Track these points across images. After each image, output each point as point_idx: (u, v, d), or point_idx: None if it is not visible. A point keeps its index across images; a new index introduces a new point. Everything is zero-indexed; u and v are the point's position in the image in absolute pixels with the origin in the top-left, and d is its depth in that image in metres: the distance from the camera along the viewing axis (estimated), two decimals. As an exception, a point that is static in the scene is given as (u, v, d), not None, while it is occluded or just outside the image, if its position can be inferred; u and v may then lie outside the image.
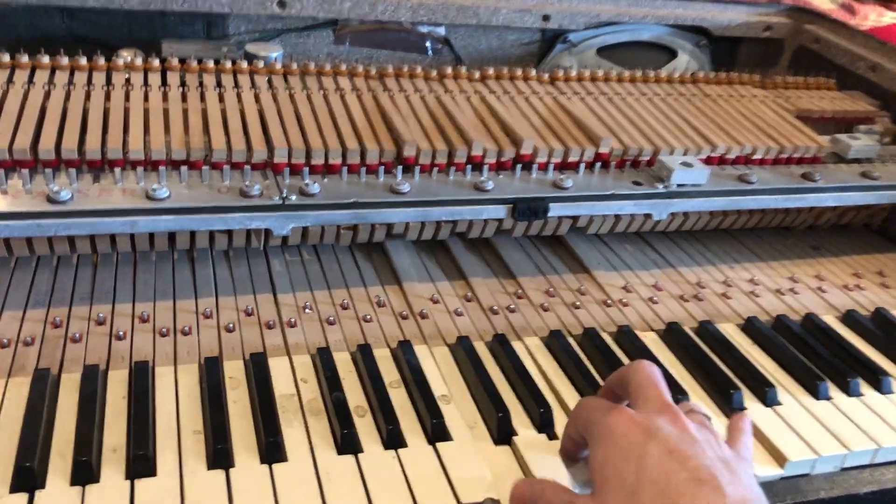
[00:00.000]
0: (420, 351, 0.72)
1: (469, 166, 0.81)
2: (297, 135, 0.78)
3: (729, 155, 0.92)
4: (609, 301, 0.85)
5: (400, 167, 0.79)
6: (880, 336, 0.84)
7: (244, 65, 0.89)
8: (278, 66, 0.91)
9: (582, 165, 0.85)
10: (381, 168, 0.78)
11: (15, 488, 0.53)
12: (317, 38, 1.09)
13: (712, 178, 0.87)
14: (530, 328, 0.79)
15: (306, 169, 0.76)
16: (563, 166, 0.85)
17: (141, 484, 0.55)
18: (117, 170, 0.70)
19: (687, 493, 0.48)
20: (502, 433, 0.64)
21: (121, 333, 0.69)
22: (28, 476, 0.54)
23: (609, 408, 0.55)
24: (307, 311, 0.76)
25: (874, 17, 2.54)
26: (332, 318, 0.76)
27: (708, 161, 0.90)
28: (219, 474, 0.57)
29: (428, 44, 1.13)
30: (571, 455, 0.61)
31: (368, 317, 0.77)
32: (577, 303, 0.84)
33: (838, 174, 0.94)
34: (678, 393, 0.70)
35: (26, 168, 0.69)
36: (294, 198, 0.72)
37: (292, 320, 0.74)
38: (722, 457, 0.52)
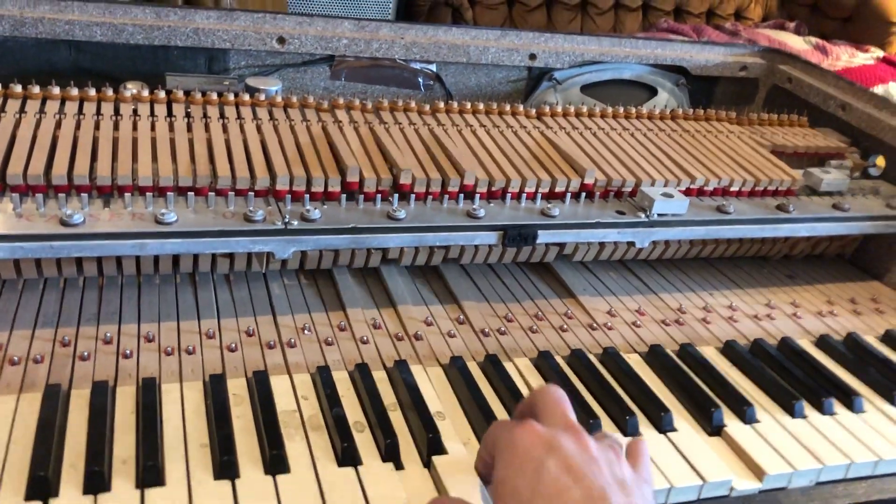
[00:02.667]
0: (415, 370, 0.75)
1: (461, 195, 0.85)
2: (298, 163, 0.82)
3: (707, 187, 0.97)
4: (594, 325, 0.88)
5: (396, 195, 0.82)
6: (852, 359, 0.88)
7: (246, 97, 0.93)
8: (279, 98, 0.95)
9: (568, 195, 0.89)
10: (379, 196, 0.82)
11: (29, 496, 0.56)
12: (314, 73, 1.13)
13: (692, 209, 0.91)
14: (520, 349, 0.82)
15: (307, 196, 0.79)
16: (551, 196, 0.89)
17: (151, 493, 0.57)
18: (127, 195, 0.73)
19: None
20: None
21: (127, 352, 0.72)
22: (42, 485, 0.56)
23: (516, 423, 0.56)
24: (306, 332, 0.79)
25: (846, 58, 2.62)
26: (330, 339, 0.79)
27: (687, 192, 0.95)
28: (225, 484, 0.59)
29: (420, 80, 1.18)
30: (484, 477, 0.61)
31: (365, 338, 0.80)
32: (564, 326, 0.87)
33: (811, 206, 0.99)
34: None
35: (40, 193, 0.72)
36: (296, 223, 0.76)
37: (292, 341, 0.77)
38: (619, 477, 0.53)
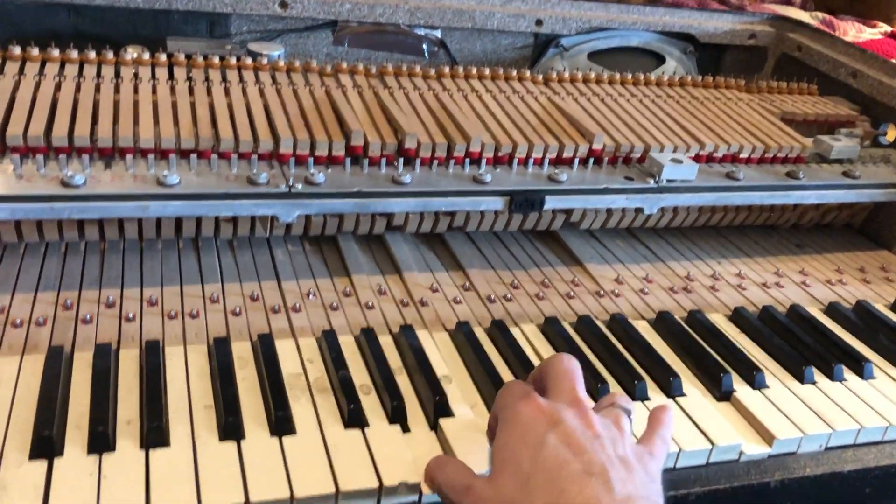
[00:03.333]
0: (421, 335, 0.74)
1: (467, 160, 0.84)
2: (301, 127, 0.81)
3: (716, 153, 0.95)
4: (601, 292, 0.88)
5: (401, 160, 0.81)
6: (862, 326, 0.87)
7: (249, 61, 0.92)
8: (282, 63, 0.94)
9: (576, 161, 0.88)
10: (384, 160, 0.80)
11: (34, 455, 0.55)
12: (316, 38, 1.12)
13: (701, 175, 0.90)
14: (526, 316, 0.81)
15: (311, 160, 0.78)
16: (558, 162, 0.88)
17: (155, 453, 0.57)
18: (129, 157, 0.72)
19: (576, 484, 0.49)
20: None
21: (130, 315, 0.71)
22: (47, 444, 0.55)
23: (524, 394, 0.56)
24: (311, 297, 0.79)
25: (853, 33, 2.60)
26: (335, 305, 0.78)
27: (696, 159, 0.93)
28: (230, 445, 0.59)
29: (424, 46, 1.16)
30: (494, 435, 0.61)
31: (370, 304, 0.79)
32: (571, 293, 0.86)
33: (821, 173, 0.98)
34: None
35: (40, 154, 0.71)
36: (300, 186, 0.75)
37: (297, 305, 0.76)
38: (622, 455, 0.52)
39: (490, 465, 0.55)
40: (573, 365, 0.59)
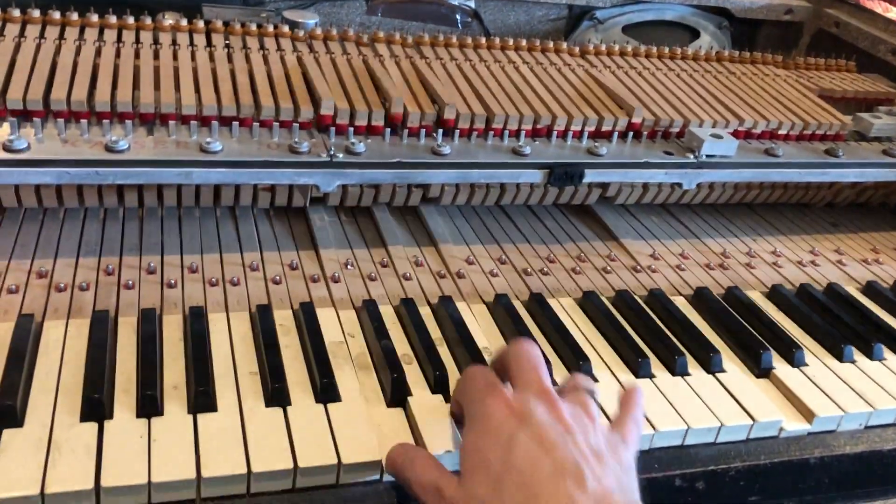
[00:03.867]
0: (460, 307, 0.74)
1: (506, 132, 0.83)
2: (341, 96, 0.80)
3: (755, 129, 0.94)
4: (638, 267, 0.87)
5: (440, 130, 0.81)
6: (900, 306, 0.87)
7: (286, 29, 0.91)
8: (318, 31, 0.93)
9: (615, 135, 0.87)
10: (423, 131, 0.80)
11: (85, 417, 0.55)
12: (350, 7, 1.11)
13: (740, 151, 0.89)
14: (563, 290, 0.81)
15: (351, 129, 0.77)
16: (597, 135, 0.87)
17: (203, 418, 0.57)
18: (171, 123, 0.72)
19: (549, 485, 0.48)
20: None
21: (172, 282, 0.71)
22: (97, 407, 0.56)
23: (490, 388, 0.54)
24: (349, 267, 0.79)
25: (880, 12, 2.56)
26: (373, 275, 0.78)
27: (735, 134, 0.92)
28: (277, 411, 0.59)
29: (458, 16, 1.15)
30: (458, 419, 0.60)
31: (408, 275, 0.79)
32: (608, 268, 0.86)
33: (860, 151, 0.96)
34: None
35: (83, 119, 0.70)
36: (341, 156, 0.74)
37: (336, 275, 0.76)
38: (594, 446, 0.51)
39: (460, 465, 0.52)
40: (536, 353, 0.57)
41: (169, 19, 0.89)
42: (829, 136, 0.98)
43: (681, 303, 0.81)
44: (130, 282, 0.71)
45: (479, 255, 0.85)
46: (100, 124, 0.71)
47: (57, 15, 0.84)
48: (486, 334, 0.72)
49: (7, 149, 0.65)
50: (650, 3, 1.21)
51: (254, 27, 0.90)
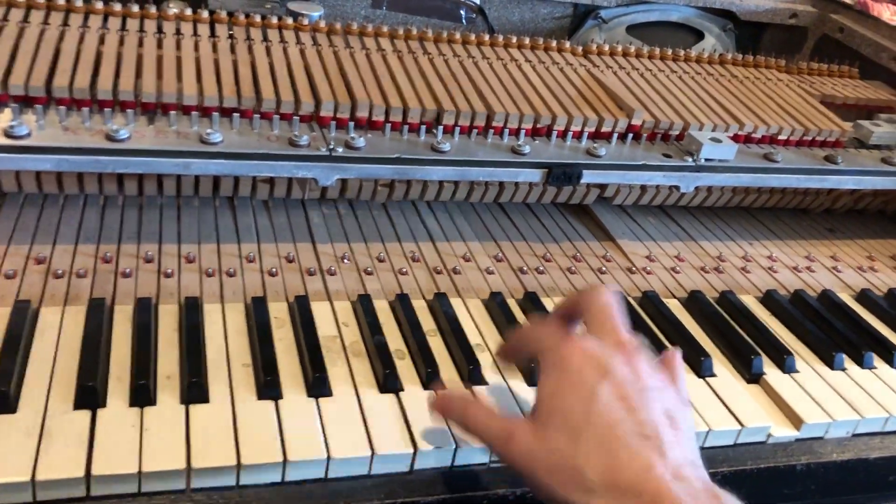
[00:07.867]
0: (454, 303, 0.75)
1: (506, 130, 0.83)
2: (342, 89, 0.80)
3: (755, 134, 0.94)
4: (633, 268, 0.88)
5: (440, 127, 0.81)
6: (893, 315, 0.87)
7: (290, 21, 0.91)
8: (322, 24, 0.93)
9: (614, 136, 0.87)
10: (423, 127, 0.80)
11: (79, 405, 0.56)
12: (354, 0, 1.10)
13: (739, 155, 0.89)
14: (558, 289, 0.82)
15: (351, 123, 0.78)
16: (596, 135, 0.88)
17: (195, 409, 0.58)
18: (172, 113, 0.72)
19: (629, 447, 0.47)
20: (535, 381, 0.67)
21: (169, 271, 0.72)
22: (90, 395, 0.56)
23: (564, 336, 0.53)
24: (345, 261, 0.79)
25: (888, 16, 2.55)
26: (369, 269, 0.78)
27: (735, 138, 0.92)
28: (268, 404, 0.59)
29: (462, 12, 1.15)
30: (507, 358, 0.62)
31: (404, 270, 0.79)
32: (603, 268, 0.86)
33: (859, 159, 0.97)
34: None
35: (85, 107, 0.71)
36: (340, 150, 0.75)
37: (332, 269, 0.77)
38: (668, 409, 0.51)
39: (536, 411, 0.52)
40: (612, 300, 0.56)
41: (174, 8, 0.89)
42: (828, 142, 0.98)
43: (674, 305, 0.82)
44: (128, 270, 0.71)
45: (476, 251, 0.86)
46: (101, 112, 0.71)
47: (62, 1, 0.84)
48: (480, 330, 0.72)
49: (8, 135, 0.66)
50: (655, 4, 1.21)
51: (258, 18, 0.90)
